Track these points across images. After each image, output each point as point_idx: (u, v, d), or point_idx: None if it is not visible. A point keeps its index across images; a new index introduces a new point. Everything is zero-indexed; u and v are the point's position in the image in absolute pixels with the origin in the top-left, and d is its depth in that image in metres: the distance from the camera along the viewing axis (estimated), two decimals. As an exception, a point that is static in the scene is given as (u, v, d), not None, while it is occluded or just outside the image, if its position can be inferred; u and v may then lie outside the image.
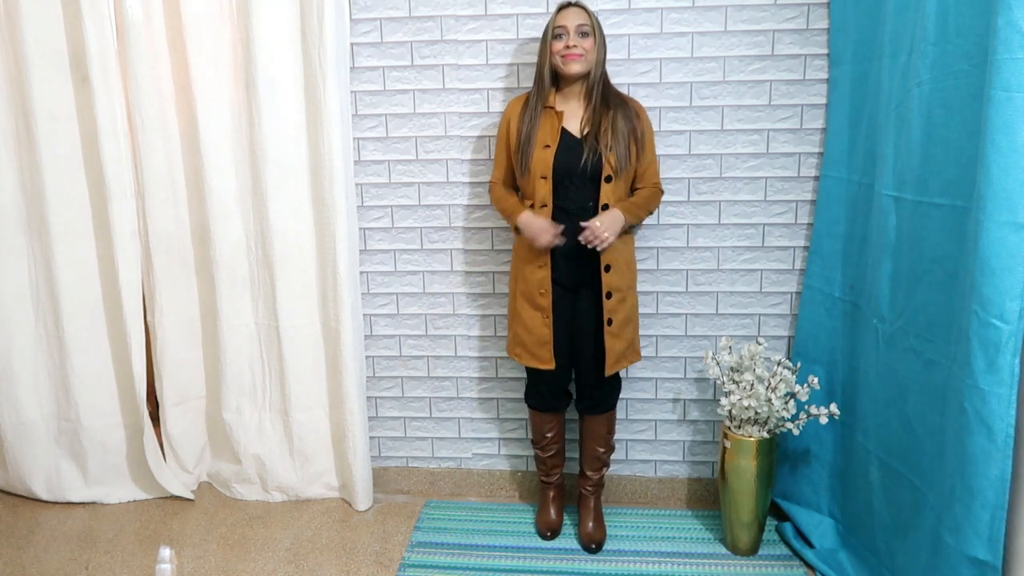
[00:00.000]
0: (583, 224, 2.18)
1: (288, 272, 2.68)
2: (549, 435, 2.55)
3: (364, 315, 2.77)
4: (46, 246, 2.68)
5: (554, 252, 2.29)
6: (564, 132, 2.27)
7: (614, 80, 2.48)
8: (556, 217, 2.27)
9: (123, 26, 2.53)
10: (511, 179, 2.41)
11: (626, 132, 2.24)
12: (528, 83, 2.55)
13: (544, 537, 2.57)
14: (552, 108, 2.28)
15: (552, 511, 2.62)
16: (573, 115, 2.29)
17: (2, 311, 2.72)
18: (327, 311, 2.70)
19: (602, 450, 2.53)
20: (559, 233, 2.22)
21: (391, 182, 2.68)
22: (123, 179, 2.61)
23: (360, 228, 2.71)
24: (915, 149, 1.94)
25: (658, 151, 2.53)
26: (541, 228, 2.23)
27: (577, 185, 2.26)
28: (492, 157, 2.61)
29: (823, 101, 2.47)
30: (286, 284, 2.69)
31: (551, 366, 2.37)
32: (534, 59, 2.53)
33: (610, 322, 2.31)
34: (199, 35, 2.56)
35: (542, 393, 2.50)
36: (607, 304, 2.30)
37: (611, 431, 2.54)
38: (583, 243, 2.18)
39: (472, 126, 2.60)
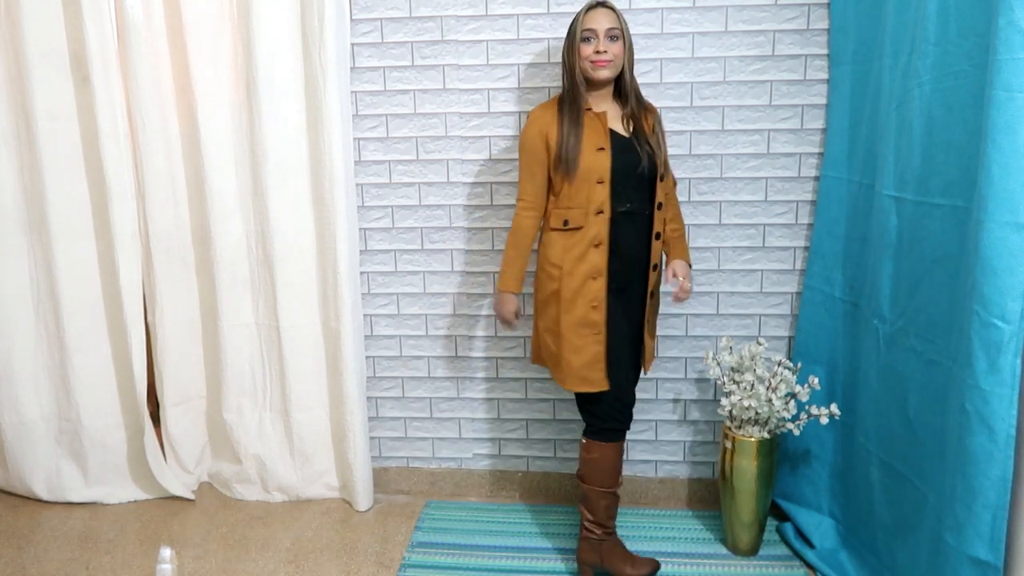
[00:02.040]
0: (675, 277, 2.23)
1: (288, 272, 2.68)
2: (615, 470, 2.26)
3: (364, 315, 2.77)
4: (46, 246, 2.68)
5: (610, 258, 2.14)
6: (613, 133, 2.15)
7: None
8: (615, 221, 2.13)
9: (123, 26, 2.53)
10: (544, 198, 2.20)
11: (659, 135, 2.21)
12: (529, 83, 2.55)
13: None
14: (591, 110, 2.16)
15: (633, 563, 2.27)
16: (613, 117, 2.19)
17: (2, 311, 2.72)
18: (328, 311, 2.70)
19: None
20: (514, 322, 2.29)
21: (392, 182, 2.68)
22: (123, 179, 2.61)
23: (360, 228, 2.71)
24: (916, 149, 1.94)
25: (659, 151, 2.54)
26: (508, 313, 2.27)
27: (634, 186, 2.14)
28: (493, 157, 2.61)
29: (824, 101, 2.47)
30: (286, 284, 2.69)
31: (604, 387, 2.16)
32: (535, 59, 2.53)
33: (648, 321, 2.26)
34: (200, 35, 2.56)
35: (616, 417, 2.22)
36: (650, 303, 2.24)
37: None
38: (674, 301, 2.25)
39: (473, 126, 2.60)
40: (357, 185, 2.69)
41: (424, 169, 2.65)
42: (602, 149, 2.12)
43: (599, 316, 2.14)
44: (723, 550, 2.49)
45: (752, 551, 2.46)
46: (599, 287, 2.13)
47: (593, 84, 2.16)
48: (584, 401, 2.25)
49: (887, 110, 2.09)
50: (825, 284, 2.46)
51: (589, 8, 2.14)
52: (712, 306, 2.64)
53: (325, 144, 2.54)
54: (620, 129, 2.18)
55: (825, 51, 2.44)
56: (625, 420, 2.26)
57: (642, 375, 2.71)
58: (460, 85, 2.58)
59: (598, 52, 2.10)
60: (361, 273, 2.74)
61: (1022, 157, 1.55)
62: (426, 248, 2.71)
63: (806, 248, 2.56)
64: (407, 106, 2.62)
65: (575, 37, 2.13)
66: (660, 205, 2.18)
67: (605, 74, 2.13)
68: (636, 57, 2.49)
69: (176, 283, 2.78)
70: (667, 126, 2.52)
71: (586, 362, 2.15)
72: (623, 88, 2.19)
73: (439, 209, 2.67)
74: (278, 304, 2.70)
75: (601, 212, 2.12)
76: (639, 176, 2.15)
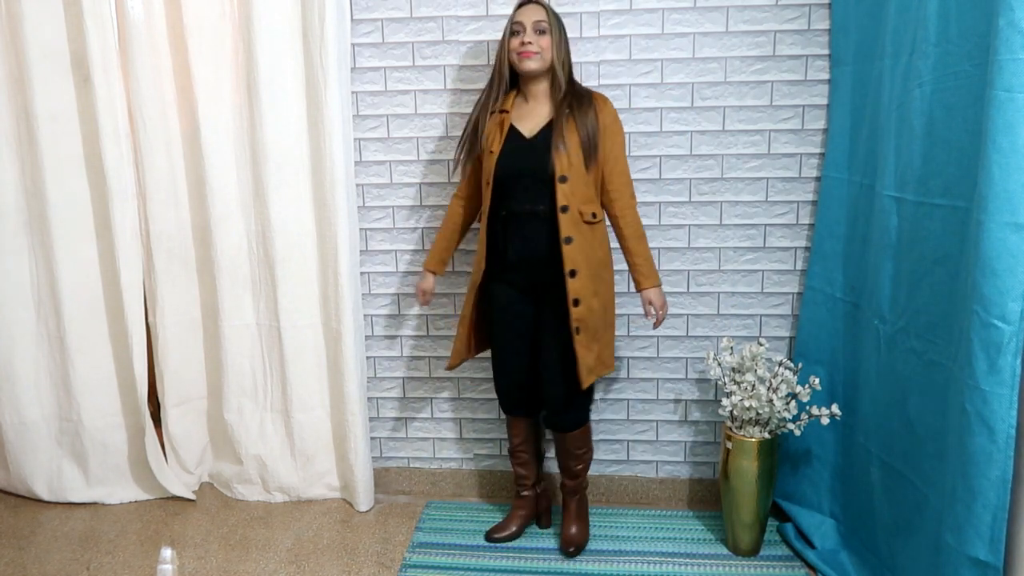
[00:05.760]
0: (650, 305, 2.29)
1: (289, 272, 2.69)
2: (516, 440, 2.52)
3: (365, 315, 2.77)
4: (47, 246, 2.68)
5: (505, 253, 2.29)
6: (512, 134, 2.24)
7: (616, 80, 2.49)
8: (507, 220, 2.26)
9: (124, 26, 2.54)
10: (470, 187, 2.39)
11: (585, 130, 2.18)
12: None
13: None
14: (503, 111, 2.26)
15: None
16: (531, 114, 2.25)
17: (4, 311, 2.72)
18: (328, 311, 2.70)
19: (578, 466, 2.47)
20: (425, 301, 2.53)
21: (392, 183, 2.68)
22: (124, 179, 2.61)
23: (361, 228, 2.72)
24: (916, 150, 1.94)
25: (660, 151, 2.53)
26: (418, 289, 2.53)
27: (525, 186, 2.21)
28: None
29: (824, 102, 2.47)
30: (287, 284, 2.69)
31: (453, 364, 2.43)
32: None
33: (578, 331, 2.20)
34: (200, 35, 2.56)
35: (506, 397, 2.48)
36: (574, 312, 2.19)
37: (582, 447, 2.45)
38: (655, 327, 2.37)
39: (473, 127, 2.60)
40: (358, 185, 2.69)
41: (425, 169, 2.65)
42: (492, 152, 2.25)
43: (467, 309, 2.39)
44: (724, 550, 2.49)
45: (753, 551, 2.46)
46: (474, 283, 2.35)
47: (525, 78, 2.26)
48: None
49: (888, 110, 2.09)
50: (826, 284, 2.46)
51: (520, 5, 2.25)
52: (713, 306, 2.64)
53: (326, 144, 2.54)
54: (527, 130, 2.24)
55: (826, 51, 2.44)
56: (520, 404, 2.48)
57: (640, 376, 2.71)
58: (461, 85, 2.58)
59: (524, 44, 2.19)
60: (362, 273, 2.74)
61: (1022, 157, 1.55)
62: (427, 249, 2.71)
63: (807, 248, 2.56)
64: (408, 106, 2.62)
65: (506, 33, 2.24)
66: (565, 208, 2.18)
67: (531, 65, 2.20)
68: (636, 58, 2.49)
69: (177, 283, 2.78)
70: (668, 126, 2.52)
71: (457, 341, 2.43)
72: (555, 83, 2.24)
73: (440, 210, 2.67)
74: (279, 304, 2.70)
75: (489, 213, 2.27)
76: (529, 178, 2.21)
